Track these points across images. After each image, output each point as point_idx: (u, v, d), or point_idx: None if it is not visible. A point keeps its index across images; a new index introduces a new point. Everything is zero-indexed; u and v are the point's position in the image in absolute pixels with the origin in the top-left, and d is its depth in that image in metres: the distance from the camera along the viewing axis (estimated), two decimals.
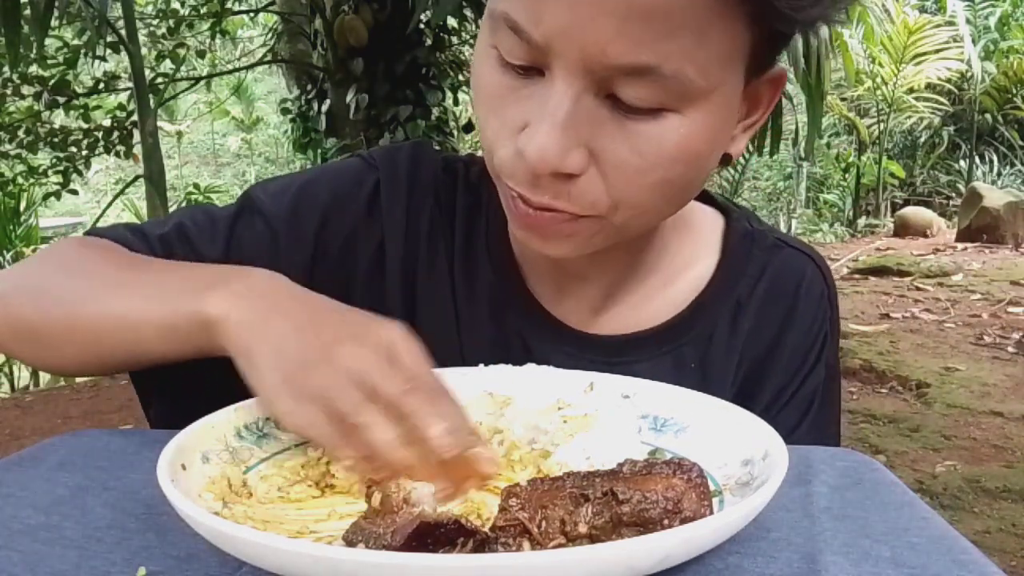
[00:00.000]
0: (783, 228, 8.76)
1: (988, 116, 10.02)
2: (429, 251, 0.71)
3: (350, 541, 0.39)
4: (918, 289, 5.75)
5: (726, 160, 0.61)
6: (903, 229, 8.70)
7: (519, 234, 0.61)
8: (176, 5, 5.32)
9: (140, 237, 0.69)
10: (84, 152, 4.90)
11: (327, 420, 0.45)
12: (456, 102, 5.01)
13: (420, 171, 0.73)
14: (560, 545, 0.39)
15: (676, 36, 0.49)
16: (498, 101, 0.55)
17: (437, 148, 0.78)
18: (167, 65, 5.05)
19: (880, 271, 6.37)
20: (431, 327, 0.68)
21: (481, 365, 0.60)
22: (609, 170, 0.54)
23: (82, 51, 4.53)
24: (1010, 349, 4.17)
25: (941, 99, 9.77)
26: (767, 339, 0.70)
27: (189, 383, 0.63)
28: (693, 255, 0.71)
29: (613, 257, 0.67)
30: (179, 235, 0.69)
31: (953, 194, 10.31)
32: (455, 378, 0.58)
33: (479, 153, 0.76)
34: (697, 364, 0.69)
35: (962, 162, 10.43)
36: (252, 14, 5.78)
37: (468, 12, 4.14)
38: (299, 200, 0.71)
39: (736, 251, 0.72)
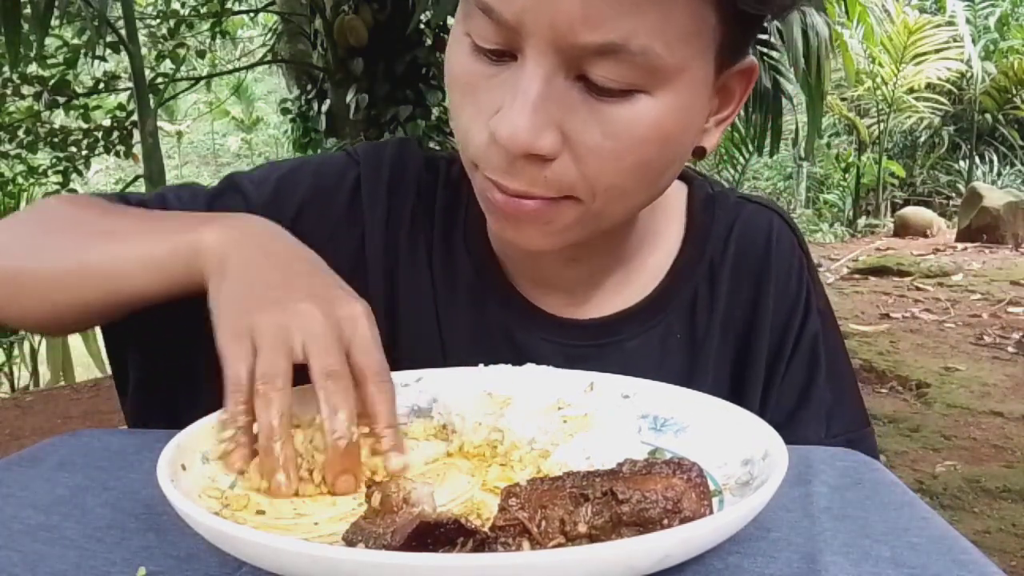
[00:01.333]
0: None
1: (988, 116, 10.02)
2: (410, 246, 0.72)
3: (350, 541, 0.39)
4: (918, 289, 5.75)
5: (699, 153, 0.62)
6: (903, 229, 8.70)
7: (496, 227, 0.61)
8: (176, 5, 5.32)
9: (121, 202, 0.71)
10: (84, 152, 4.89)
11: (245, 368, 0.49)
12: None
13: (403, 168, 0.74)
14: (560, 545, 0.39)
15: (643, 11, 0.49)
16: (471, 88, 0.56)
17: (427, 146, 0.78)
18: (167, 65, 5.04)
19: (880, 271, 6.37)
20: (412, 320, 0.70)
21: (481, 365, 0.60)
22: (583, 153, 0.54)
23: (82, 51, 4.53)
24: (1010, 349, 4.17)
25: (941, 99, 9.78)
26: (748, 296, 0.71)
27: (165, 371, 0.66)
28: (663, 227, 0.72)
29: (593, 246, 0.67)
30: (160, 205, 0.70)
31: (953, 194, 10.32)
32: (455, 378, 0.58)
33: None
34: (684, 334, 0.70)
35: (962, 162, 10.44)
36: (252, 14, 5.78)
37: None
38: (279, 189, 0.72)
39: (701, 215, 0.73)
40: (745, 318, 0.71)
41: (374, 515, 0.41)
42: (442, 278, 0.71)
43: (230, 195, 0.71)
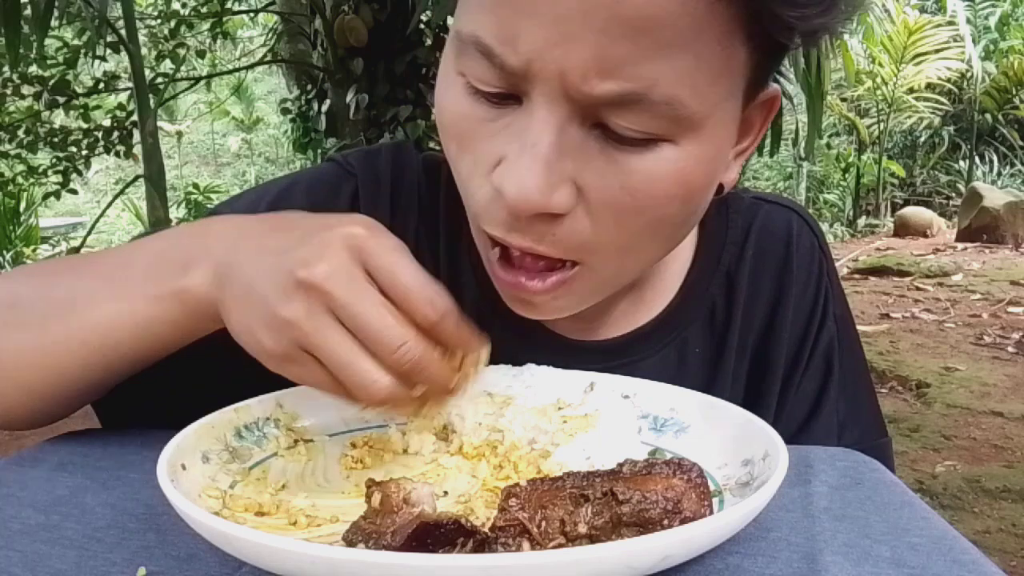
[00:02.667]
0: None
1: (988, 116, 10.02)
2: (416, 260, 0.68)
3: (350, 541, 0.39)
4: (918, 289, 5.75)
5: (718, 191, 0.57)
6: (903, 229, 8.70)
7: (506, 299, 0.56)
8: (176, 5, 5.32)
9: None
10: (84, 152, 4.89)
11: (315, 368, 0.43)
12: None
13: (402, 176, 0.69)
14: (560, 545, 0.39)
15: (666, 56, 0.44)
16: (469, 136, 0.50)
17: (427, 146, 0.73)
18: (167, 65, 5.04)
19: (880, 271, 6.37)
20: None
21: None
22: (599, 208, 0.49)
23: (82, 51, 4.52)
24: (1010, 349, 4.17)
25: (941, 99, 9.77)
26: (767, 304, 0.67)
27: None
28: None
29: None
30: None
31: (953, 194, 10.31)
32: None
33: None
34: (702, 348, 0.66)
35: (962, 162, 10.44)
36: (252, 14, 5.78)
37: None
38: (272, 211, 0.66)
39: (713, 222, 0.68)
40: (763, 328, 0.67)
41: (374, 515, 0.41)
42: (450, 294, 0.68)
43: None
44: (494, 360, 0.65)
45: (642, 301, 0.67)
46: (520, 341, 0.63)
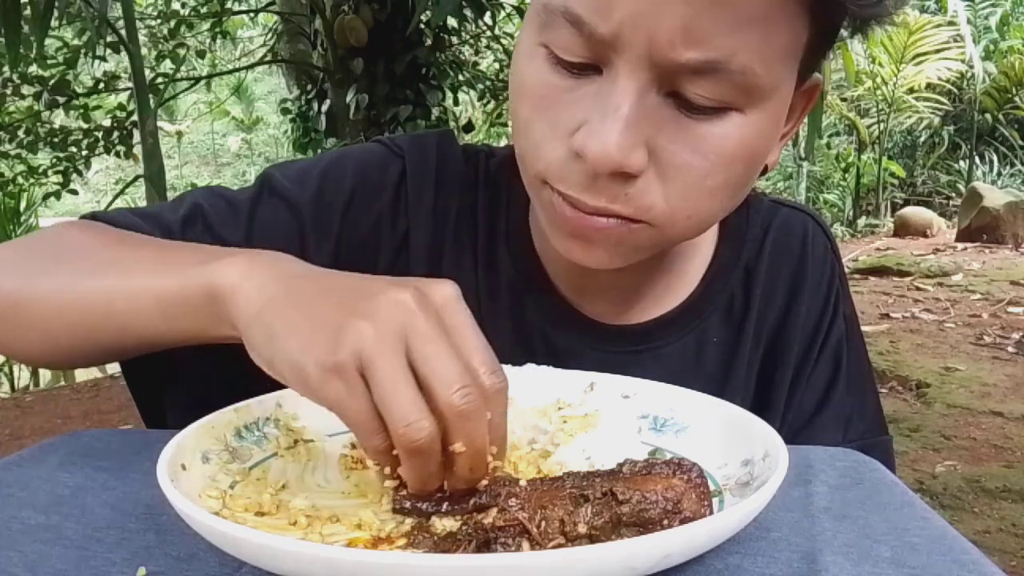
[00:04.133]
0: None
1: (988, 116, 10.02)
2: (455, 244, 0.70)
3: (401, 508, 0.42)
4: (918, 289, 5.75)
5: (763, 171, 0.60)
6: (903, 229, 8.70)
7: (562, 246, 0.58)
8: (176, 5, 5.32)
9: (153, 222, 0.65)
10: (84, 152, 4.89)
11: (366, 404, 0.40)
12: (456, 102, 5.02)
13: (448, 162, 0.71)
14: (559, 545, 0.39)
15: (746, 29, 0.48)
16: (548, 102, 0.53)
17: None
18: (167, 65, 5.04)
19: (880, 271, 6.37)
20: None
21: None
22: (669, 171, 0.52)
23: (82, 51, 4.53)
24: (1010, 349, 4.17)
25: (941, 99, 9.78)
26: (781, 300, 0.70)
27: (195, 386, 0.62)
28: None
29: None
30: (197, 217, 0.66)
31: (953, 194, 10.32)
32: None
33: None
34: (720, 338, 0.70)
35: (962, 162, 10.44)
36: (252, 14, 5.78)
37: (468, 12, 4.14)
38: (323, 184, 0.68)
39: (735, 219, 0.71)
40: (777, 322, 0.70)
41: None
42: (485, 278, 0.70)
43: (269, 200, 0.67)
44: (522, 338, 0.67)
45: (668, 289, 0.70)
46: (551, 322, 0.68)
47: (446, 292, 0.44)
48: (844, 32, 0.56)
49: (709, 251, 0.71)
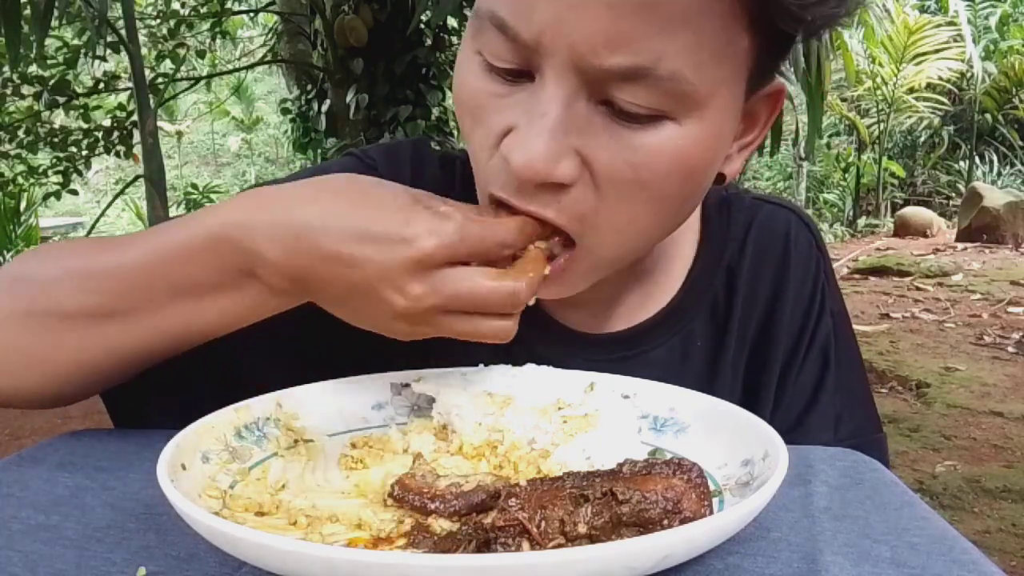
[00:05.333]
0: None
1: (988, 116, 10.02)
2: None
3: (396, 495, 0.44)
4: (918, 289, 5.75)
5: (719, 180, 0.59)
6: (903, 229, 8.70)
7: None
8: (176, 5, 5.32)
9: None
10: (84, 152, 4.89)
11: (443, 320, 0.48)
12: None
13: (422, 171, 0.71)
14: (559, 545, 0.39)
15: (673, 32, 0.46)
16: (482, 110, 0.52)
17: (436, 146, 0.75)
18: (167, 65, 5.04)
19: (880, 271, 6.37)
20: (435, 338, 0.67)
21: (481, 365, 0.60)
22: (602, 182, 0.51)
23: (82, 51, 4.52)
24: (1010, 349, 4.17)
25: (941, 99, 9.78)
26: (765, 299, 0.70)
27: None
28: (680, 237, 0.70)
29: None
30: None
31: (953, 194, 10.32)
32: (455, 378, 0.58)
33: None
34: (704, 340, 0.69)
35: (962, 162, 10.44)
36: (252, 14, 5.78)
37: (468, 12, 4.14)
38: None
39: (716, 219, 0.71)
40: (762, 321, 0.70)
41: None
42: None
43: None
44: (508, 351, 0.67)
45: (648, 295, 0.69)
46: (532, 333, 0.65)
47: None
48: (799, 36, 0.54)
49: (691, 252, 0.70)
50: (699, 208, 0.71)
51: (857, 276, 6.34)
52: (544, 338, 0.67)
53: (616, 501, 0.40)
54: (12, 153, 4.99)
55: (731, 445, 0.50)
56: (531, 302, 0.50)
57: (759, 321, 0.70)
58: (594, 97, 0.49)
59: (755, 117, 0.58)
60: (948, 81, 9.46)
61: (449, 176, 0.72)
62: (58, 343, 0.55)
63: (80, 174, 5.03)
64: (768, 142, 3.79)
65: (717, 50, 0.49)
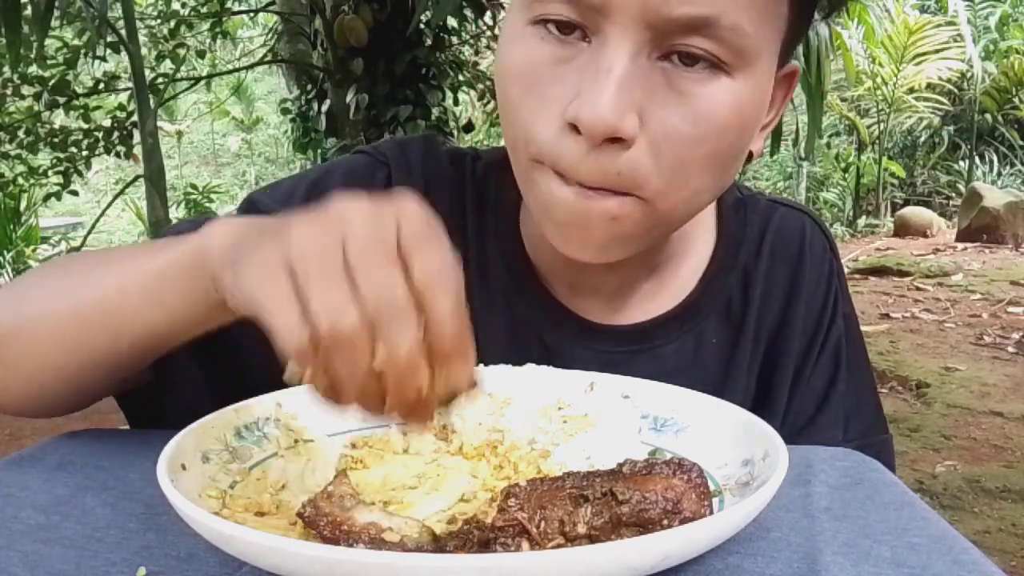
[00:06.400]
0: None
1: (988, 116, 10.02)
2: None
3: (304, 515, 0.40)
4: (918, 289, 5.75)
5: (748, 158, 0.60)
6: (903, 229, 8.69)
7: (556, 234, 0.57)
8: (176, 5, 5.32)
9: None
10: (84, 152, 4.89)
11: (295, 313, 0.37)
12: (456, 102, 5.01)
13: (434, 166, 0.71)
14: (559, 545, 0.39)
15: None
16: (536, 79, 0.53)
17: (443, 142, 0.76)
18: (167, 65, 5.04)
19: (880, 271, 6.37)
20: None
21: (480, 365, 0.60)
22: (660, 140, 0.52)
23: (82, 51, 4.52)
24: (1010, 349, 4.17)
25: (941, 99, 9.77)
26: (780, 301, 0.70)
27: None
28: (695, 234, 0.71)
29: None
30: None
31: (953, 194, 10.31)
32: None
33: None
34: (718, 339, 0.69)
35: (962, 162, 10.44)
36: (252, 14, 5.78)
37: (468, 12, 4.13)
38: (312, 198, 0.66)
39: (732, 219, 0.72)
40: (776, 322, 0.70)
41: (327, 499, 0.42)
42: (477, 282, 0.69)
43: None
44: (516, 339, 0.67)
45: (661, 288, 0.70)
46: (545, 322, 0.68)
47: (402, 206, 0.41)
48: (817, 15, 0.57)
49: (706, 252, 0.71)
50: (715, 207, 0.72)
51: (857, 276, 6.34)
52: (554, 327, 0.68)
53: (616, 501, 0.40)
54: (12, 153, 4.99)
55: (731, 445, 0.50)
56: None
57: (773, 323, 0.70)
58: (656, 52, 0.51)
59: (774, 97, 0.60)
60: (948, 81, 9.45)
61: (459, 172, 0.72)
62: (38, 353, 0.55)
63: (80, 174, 5.03)
64: (768, 142, 3.79)
65: (768, 9, 0.52)
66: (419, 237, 0.39)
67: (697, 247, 0.71)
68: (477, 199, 0.71)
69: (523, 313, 0.69)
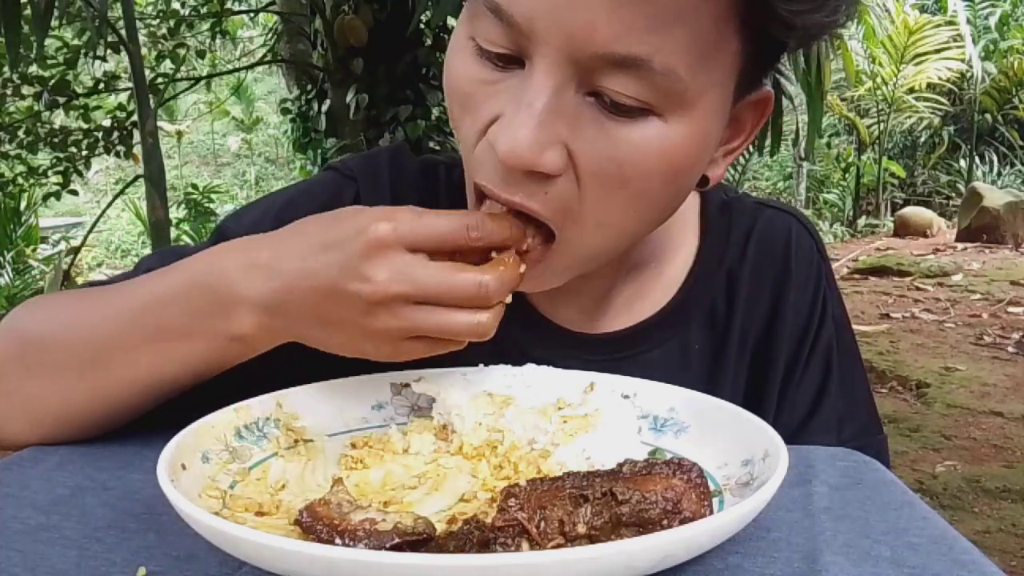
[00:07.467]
0: None
1: (988, 116, 10.02)
2: None
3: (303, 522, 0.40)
4: (918, 289, 5.75)
5: (702, 183, 0.59)
6: (903, 229, 8.70)
7: None
8: (176, 5, 5.32)
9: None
10: (84, 152, 4.88)
11: (416, 344, 0.50)
12: None
13: (402, 177, 0.71)
14: (559, 545, 0.39)
15: (669, 28, 0.46)
16: (472, 96, 0.52)
17: (427, 147, 0.76)
18: (167, 65, 5.04)
19: (880, 271, 6.37)
20: None
21: (481, 365, 0.60)
22: (585, 176, 0.51)
23: (82, 51, 4.52)
24: (1010, 349, 4.17)
25: (941, 99, 9.77)
26: (766, 305, 0.69)
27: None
28: (678, 237, 0.70)
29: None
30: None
31: (953, 194, 10.32)
32: (455, 378, 0.58)
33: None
34: (702, 344, 0.69)
35: (962, 162, 10.44)
36: (252, 14, 5.78)
37: None
38: (280, 224, 0.68)
39: (717, 222, 0.71)
40: (763, 326, 0.69)
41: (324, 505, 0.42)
42: None
43: None
44: (498, 353, 0.67)
45: (644, 296, 0.69)
46: (525, 333, 0.67)
47: (380, 227, 0.48)
48: (789, 44, 0.54)
49: (690, 255, 0.70)
50: (698, 209, 0.71)
51: (857, 276, 6.34)
52: (539, 339, 0.67)
53: (616, 501, 0.40)
54: (12, 153, 4.99)
55: (731, 445, 0.50)
56: (507, 300, 0.51)
57: (760, 327, 0.69)
58: (583, 88, 0.49)
59: (741, 123, 0.58)
60: (948, 81, 9.45)
61: (432, 181, 0.72)
62: (45, 390, 0.58)
63: (80, 174, 5.02)
64: (768, 142, 3.79)
65: (709, 51, 0.49)
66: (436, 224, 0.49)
67: (679, 249, 0.70)
68: (452, 205, 0.70)
69: (506, 326, 0.68)
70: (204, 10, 5.12)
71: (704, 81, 0.49)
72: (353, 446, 0.54)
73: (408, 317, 0.48)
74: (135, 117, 4.60)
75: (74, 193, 5.22)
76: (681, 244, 0.70)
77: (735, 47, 0.50)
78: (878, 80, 9.54)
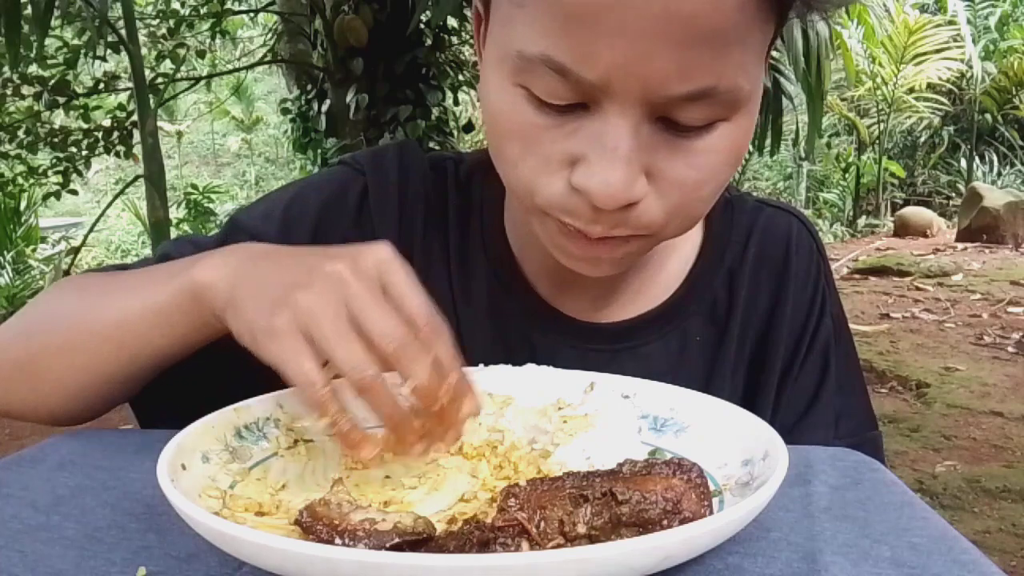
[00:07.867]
0: None
1: (988, 116, 10.03)
2: (424, 254, 0.71)
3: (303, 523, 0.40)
4: (918, 289, 5.75)
5: None
6: (903, 229, 8.70)
7: (570, 263, 0.60)
8: (176, 5, 5.32)
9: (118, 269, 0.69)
10: (84, 152, 4.89)
11: (309, 362, 0.44)
12: (456, 102, 5.01)
13: (410, 173, 0.72)
14: (559, 545, 0.39)
15: (730, 52, 0.49)
16: (535, 140, 0.53)
17: (427, 147, 0.77)
18: (167, 65, 5.03)
19: (880, 271, 6.37)
20: None
21: (481, 365, 0.60)
22: (667, 188, 0.53)
23: (82, 51, 4.52)
24: (1010, 349, 4.17)
25: (941, 99, 9.78)
26: (766, 302, 0.71)
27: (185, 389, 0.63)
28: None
29: None
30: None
31: (953, 194, 10.32)
32: None
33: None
34: (703, 338, 0.70)
35: (962, 162, 10.44)
36: (252, 14, 5.78)
37: (468, 12, 4.13)
38: (288, 216, 0.70)
39: (719, 220, 0.72)
40: (763, 323, 0.70)
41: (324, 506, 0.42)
42: (460, 283, 0.71)
43: (235, 238, 0.68)
44: (501, 339, 0.68)
45: (647, 289, 0.70)
46: (532, 322, 0.69)
47: (379, 255, 0.49)
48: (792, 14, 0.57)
49: (692, 252, 0.72)
50: None
51: (857, 276, 6.34)
52: (539, 326, 0.69)
53: (616, 501, 0.40)
54: (12, 153, 4.99)
55: (731, 445, 0.50)
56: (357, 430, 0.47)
57: (760, 324, 0.70)
58: (654, 116, 0.51)
59: None
60: (948, 81, 9.46)
61: (440, 176, 0.73)
62: (47, 366, 0.61)
63: (80, 174, 5.02)
64: (768, 142, 3.79)
65: (759, 52, 0.52)
66: (404, 285, 0.48)
67: (681, 246, 0.71)
68: (461, 201, 0.72)
69: (509, 312, 0.70)
70: (204, 10, 5.11)
71: (758, 76, 0.53)
72: None
73: (319, 311, 0.45)
74: (135, 117, 4.60)
75: (74, 193, 5.22)
76: (685, 240, 0.71)
77: (771, 33, 0.53)
78: (878, 80, 9.54)
